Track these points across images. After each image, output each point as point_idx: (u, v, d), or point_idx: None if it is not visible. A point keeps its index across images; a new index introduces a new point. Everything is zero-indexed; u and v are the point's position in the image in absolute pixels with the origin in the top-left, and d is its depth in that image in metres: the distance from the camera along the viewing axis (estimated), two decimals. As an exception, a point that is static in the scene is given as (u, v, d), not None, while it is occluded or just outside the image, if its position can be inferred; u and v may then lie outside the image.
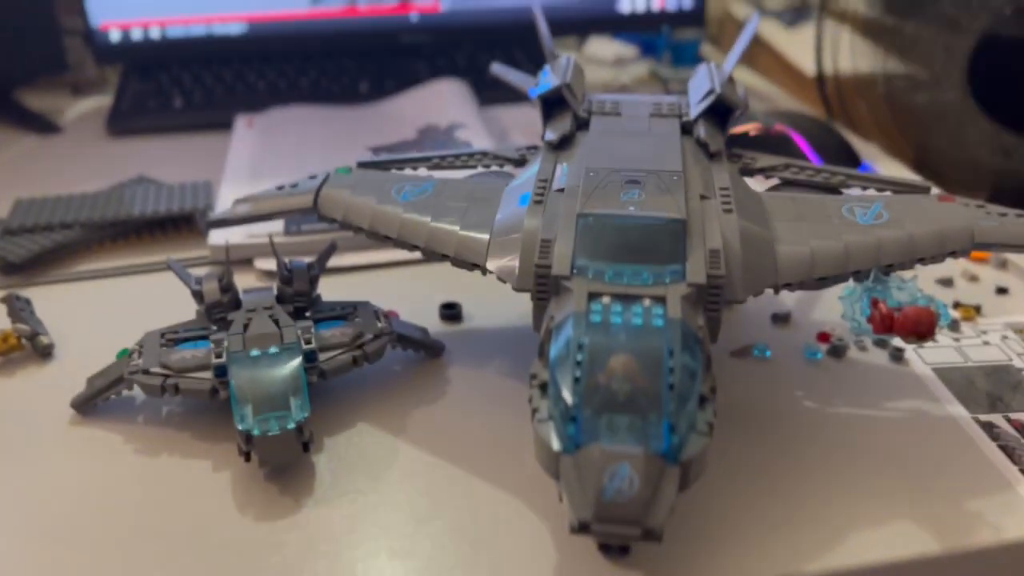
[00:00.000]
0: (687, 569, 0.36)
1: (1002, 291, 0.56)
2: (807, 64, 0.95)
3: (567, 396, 0.33)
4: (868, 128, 0.97)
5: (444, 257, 0.43)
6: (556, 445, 0.33)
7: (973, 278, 0.58)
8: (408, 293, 0.55)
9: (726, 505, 0.39)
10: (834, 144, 0.71)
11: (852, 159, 0.70)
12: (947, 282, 0.57)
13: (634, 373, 0.33)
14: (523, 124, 0.81)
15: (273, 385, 0.41)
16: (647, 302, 0.36)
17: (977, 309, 0.54)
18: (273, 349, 0.43)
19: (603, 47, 1.05)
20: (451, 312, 0.53)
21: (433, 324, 0.53)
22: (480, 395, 0.47)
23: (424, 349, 0.49)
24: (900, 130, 0.94)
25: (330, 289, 0.52)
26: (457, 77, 0.86)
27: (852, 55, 0.94)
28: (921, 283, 0.56)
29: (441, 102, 0.80)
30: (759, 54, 1.13)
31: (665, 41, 1.01)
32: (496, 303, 0.53)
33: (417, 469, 0.42)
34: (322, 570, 0.36)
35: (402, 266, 0.59)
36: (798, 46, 0.98)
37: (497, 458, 0.42)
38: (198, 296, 0.47)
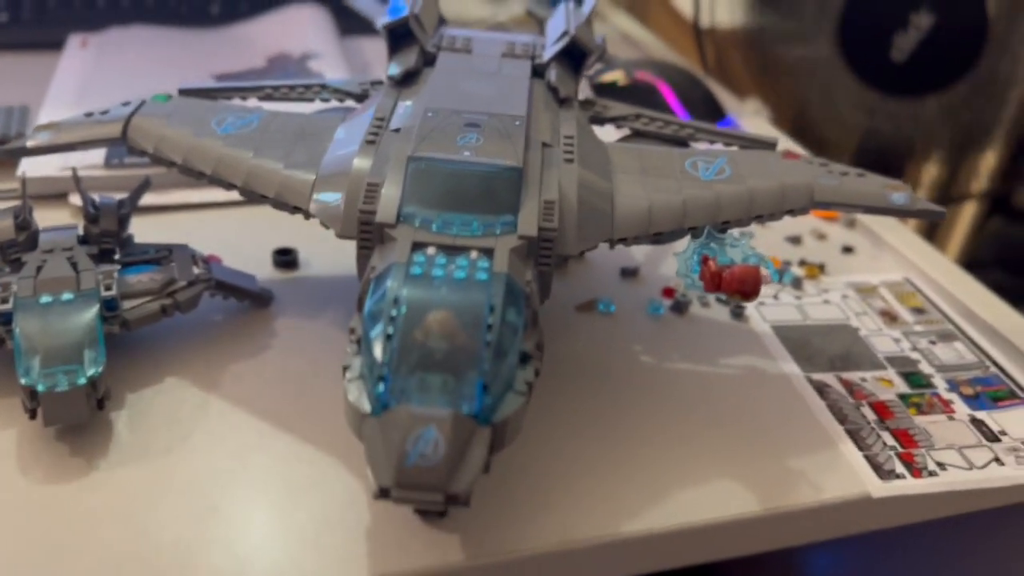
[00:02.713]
0: (504, 530, 0.35)
1: (848, 250, 0.57)
2: (691, 14, 0.94)
3: (378, 354, 0.31)
4: (741, 82, 0.97)
5: (264, 198, 0.40)
6: (364, 406, 0.31)
7: (821, 236, 0.58)
8: (240, 237, 0.51)
9: (550, 464, 0.38)
10: (700, 96, 0.70)
11: (717, 112, 0.70)
12: (796, 240, 0.57)
13: (452, 330, 0.31)
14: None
15: (64, 335, 0.37)
16: (474, 254, 0.34)
17: (821, 268, 0.54)
18: (67, 295, 0.38)
19: (484, -18, 1.01)
20: (285, 258, 0.50)
21: (266, 271, 0.49)
22: (307, 348, 0.44)
23: (249, 298, 0.45)
24: (771, 85, 0.94)
25: (151, 230, 0.47)
26: (318, 2, 0.80)
27: (731, 7, 0.93)
28: (770, 240, 0.57)
29: (297, 28, 0.74)
30: (649, 1, 1.11)
31: (545, -21, 0.97)
32: (336, 249, 0.49)
33: (228, 428, 0.39)
34: (112, 537, 0.33)
35: (234, 207, 0.54)
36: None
37: (317, 415, 0.39)
38: (-11, 234, 0.42)
